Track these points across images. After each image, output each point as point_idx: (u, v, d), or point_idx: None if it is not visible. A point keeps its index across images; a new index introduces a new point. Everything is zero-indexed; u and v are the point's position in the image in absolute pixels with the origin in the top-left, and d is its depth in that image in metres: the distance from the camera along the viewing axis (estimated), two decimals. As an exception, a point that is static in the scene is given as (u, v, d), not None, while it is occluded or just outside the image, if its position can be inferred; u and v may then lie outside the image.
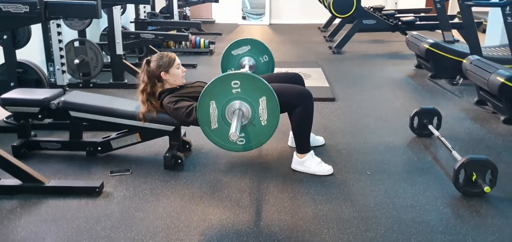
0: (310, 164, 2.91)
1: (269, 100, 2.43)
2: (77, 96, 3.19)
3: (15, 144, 3.13)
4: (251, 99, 2.44)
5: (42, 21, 2.39)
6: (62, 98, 3.08)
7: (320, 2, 9.38)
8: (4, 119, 3.37)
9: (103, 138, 3.20)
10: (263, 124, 2.47)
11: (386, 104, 4.49)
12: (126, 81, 4.93)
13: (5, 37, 3.51)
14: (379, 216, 2.42)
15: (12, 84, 3.62)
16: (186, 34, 5.55)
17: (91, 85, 4.86)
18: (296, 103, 2.83)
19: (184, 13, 8.32)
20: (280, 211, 2.48)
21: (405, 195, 2.65)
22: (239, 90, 2.42)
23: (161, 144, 3.29)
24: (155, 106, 2.98)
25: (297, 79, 3.25)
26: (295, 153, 2.96)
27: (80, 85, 4.88)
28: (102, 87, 4.90)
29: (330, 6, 7.20)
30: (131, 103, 3.24)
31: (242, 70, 3.37)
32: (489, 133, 3.65)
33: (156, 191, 2.71)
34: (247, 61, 3.59)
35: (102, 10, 2.89)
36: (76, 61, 4.70)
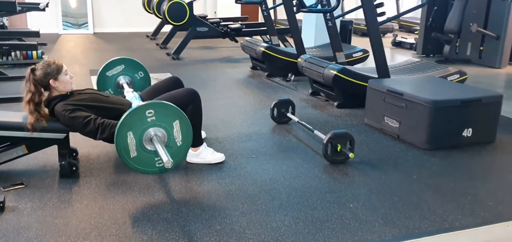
0: (205, 155, 3.23)
1: (182, 122, 2.68)
2: None
3: None
4: (165, 124, 2.65)
5: None
6: None
7: (148, 11, 9.55)
8: None
9: (-20, 155, 2.96)
10: (178, 144, 2.70)
11: (241, 100, 5.05)
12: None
13: None
14: (277, 188, 2.89)
15: None
16: (35, 43, 5.17)
17: None
18: (187, 103, 3.12)
19: (1, 23, 7.54)
20: (195, 197, 2.75)
21: (289, 169, 3.19)
22: (154, 118, 2.62)
23: (43, 156, 3.19)
24: (43, 114, 2.92)
25: (178, 82, 3.53)
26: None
27: None
28: None
29: (165, 15, 7.49)
30: (12, 114, 3.06)
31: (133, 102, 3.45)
32: (329, 116, 4.49)
33: (64, 198, 2.69)
34: (123, 79, 3.70)
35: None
36: None
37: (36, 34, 6.41)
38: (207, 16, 9.63)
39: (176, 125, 2.67)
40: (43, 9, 7.40)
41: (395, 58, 8.60)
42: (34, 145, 2.99)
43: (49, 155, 3.15)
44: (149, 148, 2.63)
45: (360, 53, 6.50)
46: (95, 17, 10.72)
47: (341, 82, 4.59)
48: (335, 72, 4.56)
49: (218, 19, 8.90)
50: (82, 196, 2.72)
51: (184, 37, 7.68)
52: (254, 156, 3.40)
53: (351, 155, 3.19)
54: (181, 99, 3.11)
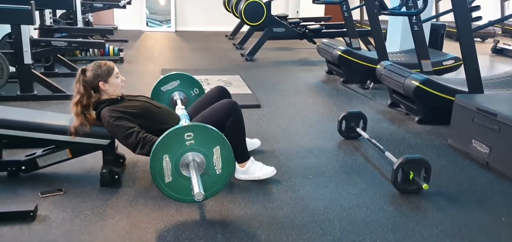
0: (253, 170, 2.91)
1: (223, 148, 2.40)
2: (-6, 111, 2.85)
3: None
4: (205, 149, 2.38)
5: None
6: (-22, 114, 2.73)
7: (228, 10, 9.45)
8: None
9: (26, 156, 2.89)
10: (218, 173, 2.42)
11: (309, 108, 4.66)
12: (35, 92, 4.50)
13: None
14: (331, 219, 2.49)
15: None
16: (103, 41, 5.22)
17: (-5, 97, 4.37)
18: (225, 116, 2.82)
19: (87, 19, 7.84)
20: (235, 221, 2.44)
21: (350, 196, 2.76)
22: (192, 141, 2.36)
23: (91, 160, 3.06)
24: (89, 119, 2.77)
25: (222, 93, 3.23)
26: (236, 163, 2.93)
27: (-19, 98, 4.36)
28: (8, 100, 4.42)
29: (242, 14, 7.29)
30: (59, 116, 2.98)
31: (183, 120, 3.27)
32: (408, 133, 3.95)
33: (98, 211, 2.51)
34: (177, 96, 3.51)
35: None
36: (-23, 71, 4.20)
37: (110, 31, 6.51)
38: (287, 16, 9.27)
39: (217, 151, 2.39)
40: (124, 7, 7.54)
41: (495, 67, 7.66)
42: (78, 150, 2.87)
43: (98, 159, 3.00)
44: (185, 174, 2.37)
45: (451, 61, 5.79)
46: (177, 15, 10.85)
47: (423, 94, 4.03)
48: (417, 83, 4.01)
49: (298, 19, 8.52)
50: (116, 209, 2.52)
51: (259, 38, 7.42)
52: (311, 177, 3.01)
53: (425, 186, 2.68)
54: (219, 112, 2.84)
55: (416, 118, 4.22)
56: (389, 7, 5.34)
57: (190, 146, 2.36)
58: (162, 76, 3.54)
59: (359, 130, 3.65)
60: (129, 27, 10.39)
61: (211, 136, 2.39)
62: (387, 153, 3.08)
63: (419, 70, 4.84)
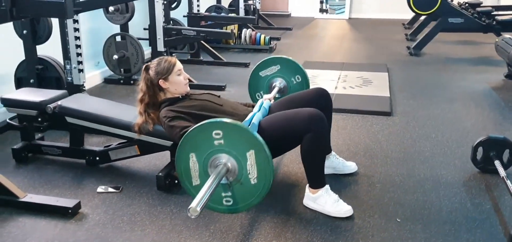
0: (324, 201, 2.35)
1: (259, 154, 1.97)
2: (76, 101, 2.93)
3: (15, 147, 2.97)
4: (236, 152, 2.00)
5: (8, 21, 2.10)
6: (59, 102, 2.84)
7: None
8: (8, 120, 3.22)
9: (104, 146, 2.92)
10: (252, 182, 2.01)
11: (454, 123, 3.70)
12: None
13: (24, 31, 3.36)
14: (391, 290, 1.82)
15: (31, 81, 3.48)
16: (229, 32, 5.13)
17: (132, 81, 4.66)
18: (305, 129, 2.28)
19: (254, 7, 7.91)
20: (267, 265, 1.99)
21: (438, 260, 2.00)
22: (221, 141, 2.00)
23: (167, 158, 2.92)
24: (153, 117, 2.61)
25: (320, 97, 2.67)
26: (307, 186, 2.43)
27: (121, 81, 4.71)
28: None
29: (410, 1, 6.36)
30: (133, 111, 2.91)
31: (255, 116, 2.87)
32: None
33: (135, 218, 2.34)
34: (278, 83, 3.16)
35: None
36: (115, 56, 4.52)
37: (251, 20, 6.39)
38: (481, 4, 7.78)
39: (251, 156, 1.98)
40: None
41: None
42: (145, 148, 2.78)
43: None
44: None
45: None
46: (353, 2, 10.18)
47: None
48: None
49: (490, 8, 7.05)
50: (152, 220, 2.32)
51: (430, 30, 6.37)
52: (399, 220, 2.30)
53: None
54: (297, 123, 2.32)
55: None
56: None
57: (219, 146, 2.01)
58: (261, 60, 3.21)
59: (497, 163, 2.69)
60: (302, 14, 10.22)
61: (243, 137, 1.99)
62: (518, 206, 2.16)
63: None
